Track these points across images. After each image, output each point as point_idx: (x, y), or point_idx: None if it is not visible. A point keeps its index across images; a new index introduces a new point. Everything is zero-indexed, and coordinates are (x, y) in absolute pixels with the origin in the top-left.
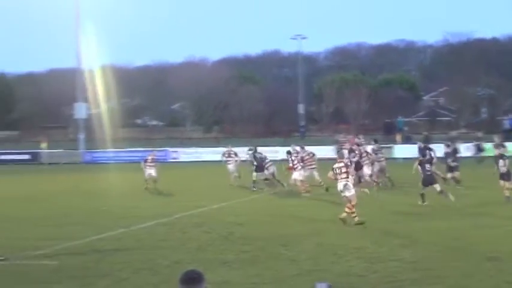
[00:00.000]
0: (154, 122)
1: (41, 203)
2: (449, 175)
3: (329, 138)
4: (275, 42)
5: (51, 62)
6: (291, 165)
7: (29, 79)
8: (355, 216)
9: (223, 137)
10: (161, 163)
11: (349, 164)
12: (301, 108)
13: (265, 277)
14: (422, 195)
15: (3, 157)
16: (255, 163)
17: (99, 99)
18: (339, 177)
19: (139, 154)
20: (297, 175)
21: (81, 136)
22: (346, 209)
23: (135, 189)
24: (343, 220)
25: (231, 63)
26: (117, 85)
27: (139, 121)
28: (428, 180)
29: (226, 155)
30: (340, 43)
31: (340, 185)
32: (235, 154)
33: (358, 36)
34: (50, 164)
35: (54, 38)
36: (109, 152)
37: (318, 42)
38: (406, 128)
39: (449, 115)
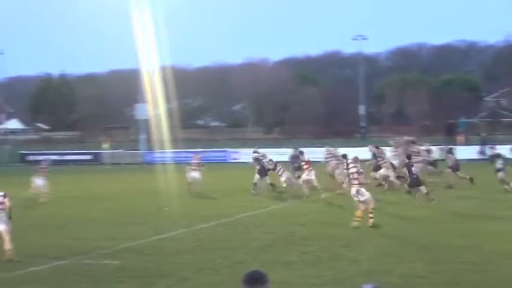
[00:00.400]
0: (216, 123)
1: (102, 203)
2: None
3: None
4: (336, 43)
5: (112, 63)
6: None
7: (91, 80)
8: (356, 221)
9: (284, 138)
10: (222, 164)
11: (361, 170)
12: (361, 109)
13: (326, 278)
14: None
15: (65, 157)
16: (258, 166)
17: (160, 100)
18: (352, 182)
19: (200, 155)
20: (307, 175)
21: (142, 137)
22: (370, 215)
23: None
24: (374, 226)
25: (291, 64)
26: (178, 86)
27: (200, 122)
28: (415, 183)
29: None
30: (401, 44)
31: (353, 190)
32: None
33: (419, 36)
34: (111, 164)
35: (115, 38)
36: (170, 153)
37: (378, 43)
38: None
39: (511, 116)
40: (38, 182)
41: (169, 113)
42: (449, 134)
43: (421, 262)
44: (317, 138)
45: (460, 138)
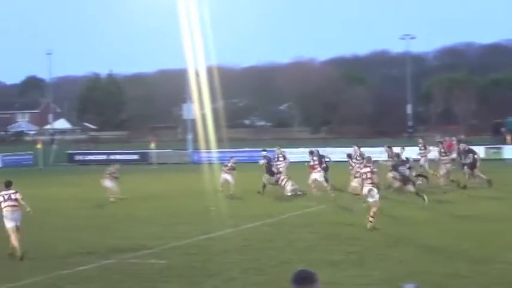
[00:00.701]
0: (262, 123)
1: (149, 203)
2: None
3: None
4: (384, 42)
5: (160, 63)
6: (311, 164)
7: (138, 80)
8: (371, 221)
9: (331, 138)
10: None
11: (375, 170)
12: (409, 109)
13: (372, 278)
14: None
15: (112, 157)
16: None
17: (206, 100)
18: (364, 182)
19: (246, 154)
20: (317, 176)
21: (189, 136)
22: (370, 218)
23: (241, 189)
24: (373, 228)
25: (339, 64)
26: (225, 86)
27: (247, 122)
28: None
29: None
30: (449, 43)
31: (365, 190)
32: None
33: (467, 35)
34: (158, 164)
35: (164, 38)
36: (216, 153)
37: (426, 42)
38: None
39: None
40: (107, 183)
41: (216, 112)
42: (496, 134)
43: (465, 262)
44: (364, 138)
45: (508, 137)
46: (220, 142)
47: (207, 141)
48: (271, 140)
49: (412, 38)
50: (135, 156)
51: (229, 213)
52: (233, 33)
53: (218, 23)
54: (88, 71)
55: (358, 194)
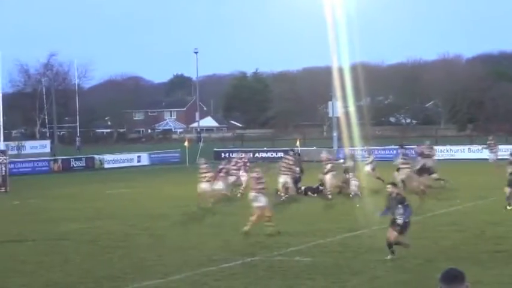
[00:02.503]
0: (408, 120)
1: (294, 200)
2: None
3: None
4: None
5: (305, 61)
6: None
7: (284, 78)
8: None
9: (477, 135)
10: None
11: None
12: None
13: None
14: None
15: (257, 155)
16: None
17: (350, 98)
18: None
19: (392, 152)
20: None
21: (335, 134)
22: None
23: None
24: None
25: (485, 60)
26: (370, 83)
27: (392, 119)
28: None
29: None
30: None
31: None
32: None
33: None
34: (303, 161)
35: (308, 37)
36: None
37: None
38: None
39: None
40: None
41: (361, 110)
42: None
43: None
44: (511, 136)
45: None
46: (365, 139)
47: (351, 138)
48: (416, 137)
49: None
50: (280, 154)
51: (375, 211)
52: (379, 31)
53: (364, 20)
54: (234, 70)
55: None
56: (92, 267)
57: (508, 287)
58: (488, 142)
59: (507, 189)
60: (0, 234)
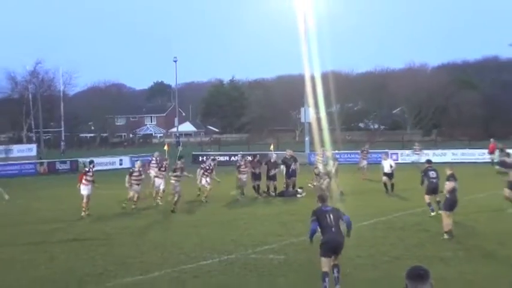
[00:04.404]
0: (376, 126)
1: (267, 203)
2: None
3: None
4: (493, 48)
5: (279, 69)
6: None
7: (259, 85)
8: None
9: (441, 140)
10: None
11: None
12: None
13: (482, 275)
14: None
15: (233, 159)
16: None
17: (321, 104)
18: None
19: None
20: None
21: (307, 138)
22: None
23: (355, 189)
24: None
25: (449, 69)
26: (341, 90)
27: (361, 124)
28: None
29: None
30: None
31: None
32: None
33: None
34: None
35: (282, 46)
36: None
37: None
38: None
39: None
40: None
41: (331, 116)
42: None
43: None
44: (474, 140)
45: None
46: (335, 144)
47: (322, 143)
48: (384, 142)
49: None
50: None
51: (344, 212)
52: (349, 41)
53: (335, 31)
54: (212, 77)
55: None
56: (76, 264)
57: (470, 284)
58: (414, 147)
59: (507, 191)
60: None
